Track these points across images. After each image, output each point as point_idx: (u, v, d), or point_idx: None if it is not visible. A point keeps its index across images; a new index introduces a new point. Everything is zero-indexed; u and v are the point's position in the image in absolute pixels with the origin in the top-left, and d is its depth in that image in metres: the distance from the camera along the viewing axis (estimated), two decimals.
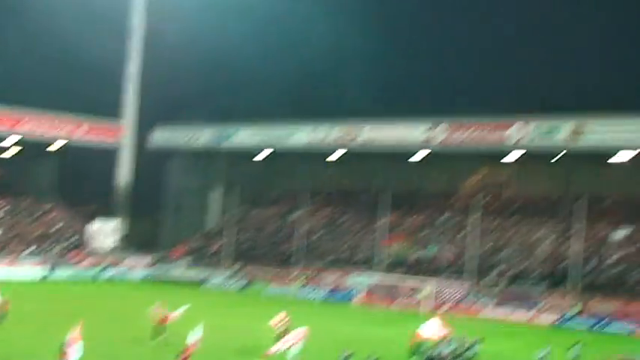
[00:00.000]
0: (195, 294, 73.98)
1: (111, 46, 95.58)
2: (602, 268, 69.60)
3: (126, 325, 48.46)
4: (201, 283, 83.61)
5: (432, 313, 65.64)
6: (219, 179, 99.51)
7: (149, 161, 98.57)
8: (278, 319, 43.59)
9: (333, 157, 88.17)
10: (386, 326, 56.12)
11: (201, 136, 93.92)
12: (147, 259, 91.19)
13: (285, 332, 42.79)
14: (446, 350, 39.38)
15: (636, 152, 69.96)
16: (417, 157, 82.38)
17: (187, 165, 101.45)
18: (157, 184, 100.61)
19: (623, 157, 71.56)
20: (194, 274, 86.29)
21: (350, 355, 36.19)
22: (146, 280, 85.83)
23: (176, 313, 42.03)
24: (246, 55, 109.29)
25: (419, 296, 70.86)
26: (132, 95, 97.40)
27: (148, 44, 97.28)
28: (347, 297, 74.44)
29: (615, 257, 70.29)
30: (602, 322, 61.46)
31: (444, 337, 40.77)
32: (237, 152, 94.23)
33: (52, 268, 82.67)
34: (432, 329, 41.76)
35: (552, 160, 77.23)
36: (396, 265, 79.05)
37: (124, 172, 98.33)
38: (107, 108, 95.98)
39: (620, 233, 73.35)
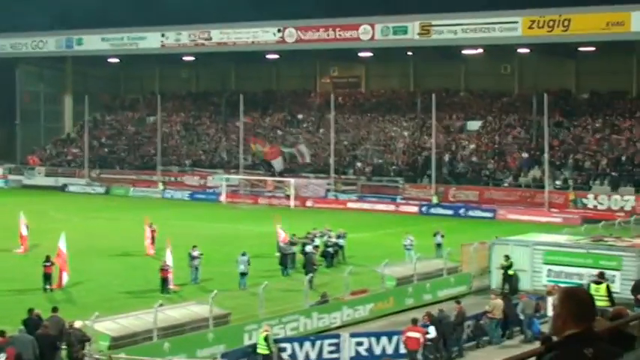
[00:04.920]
0: (56, 199, 72.90)
1: None
2: (457, 159, 72.15)
3: None
4: (61, 189, 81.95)
5: (297, 209, 66.88)
6: (69, 86, 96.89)
7: None
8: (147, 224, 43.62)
9: (186, 59, 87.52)
10: (252, 223, 56.76)
11: (47, 43, 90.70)
12: (2, 167, 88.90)
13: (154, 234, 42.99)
14: (311, 245, 39.49)
15: (480, 50, 73.25)
16: (270, 57, 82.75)
17: (36, 72, 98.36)
18: (5, 92, 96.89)
19: (470, 53, 75.16)
20: (53, 181, 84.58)
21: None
22: (3, 189, 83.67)
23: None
24: None
25: (282, 194, 71.76)
26: None
27: None
28: (211, 197, 74.55)
29: (470, 149, 72.96)
30: (462, 210, 63.95)
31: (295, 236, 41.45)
32: (85, 58, 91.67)
33: None
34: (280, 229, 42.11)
35: (402, 58, 79.63)
36: (256, 165, 79.41)
37: None
38: None
39: (474, 125, 76.07)
